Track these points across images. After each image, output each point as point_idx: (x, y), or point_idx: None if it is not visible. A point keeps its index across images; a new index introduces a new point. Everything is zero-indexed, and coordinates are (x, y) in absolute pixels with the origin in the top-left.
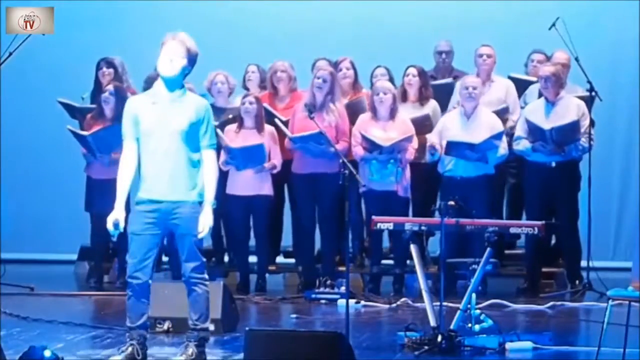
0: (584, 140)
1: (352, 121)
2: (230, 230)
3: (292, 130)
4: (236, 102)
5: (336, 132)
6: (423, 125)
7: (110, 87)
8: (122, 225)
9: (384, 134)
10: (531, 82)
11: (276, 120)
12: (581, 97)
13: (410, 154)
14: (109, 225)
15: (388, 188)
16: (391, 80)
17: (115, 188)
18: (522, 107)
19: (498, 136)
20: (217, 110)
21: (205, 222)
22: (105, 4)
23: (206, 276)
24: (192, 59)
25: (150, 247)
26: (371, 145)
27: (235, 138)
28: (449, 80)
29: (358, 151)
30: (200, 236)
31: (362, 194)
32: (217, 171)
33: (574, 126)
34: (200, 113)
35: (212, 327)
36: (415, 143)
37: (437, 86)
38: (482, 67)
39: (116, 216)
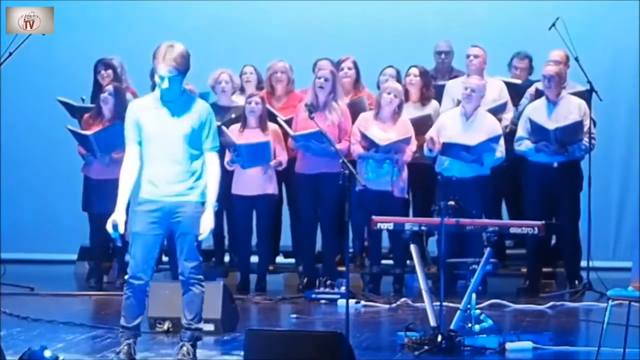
0: (586, 140)
1: (353, 120)
2: (233, 230)
3: (295, 130)
4: (239, 101)
5: (339, 131)
6: (425, 125)
7: (110, 88)
8: (121, 227)
9: (384, 134)
10: (521, 86)
11: (278, 118)
12: (580, 93)
13: (408, 156)
14: (109, 227)
15: (383, 188)
16: (398, 82)
17: (114, 188)
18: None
19: (495, 139)
20: (221, 109)
21: (207, 224)
22: (104, 4)
23: (202, 277)
24: (183, 69)
25: (153, 247)
26: (369, 143)
27: (239, 138)
28: (448, 82)
29: (356, 149)
30: (201, 238)
31: (358, 192)
32: (220, 173)
33: (578, 126)
34: (202, 116)
35: (212, 327)
36: (413, 145)
37: (437, 87)
38: (470, 67)
39: (115, 218)
